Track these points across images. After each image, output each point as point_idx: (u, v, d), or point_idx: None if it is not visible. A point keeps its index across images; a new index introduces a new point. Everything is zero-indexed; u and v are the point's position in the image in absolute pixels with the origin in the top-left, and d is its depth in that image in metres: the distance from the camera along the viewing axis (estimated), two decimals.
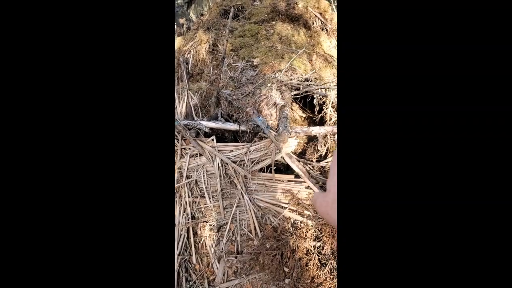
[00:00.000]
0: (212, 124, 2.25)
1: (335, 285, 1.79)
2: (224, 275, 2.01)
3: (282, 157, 2.16)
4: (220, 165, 2.12)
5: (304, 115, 3.16)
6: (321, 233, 1.96)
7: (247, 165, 2.12)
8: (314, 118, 2.81)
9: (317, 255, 1.90)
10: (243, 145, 2.17)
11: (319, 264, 1.88)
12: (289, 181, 2.17)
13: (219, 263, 2.04)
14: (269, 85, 2.46)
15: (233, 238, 2.10)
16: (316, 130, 2.50)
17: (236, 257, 2.03)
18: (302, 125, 2.98)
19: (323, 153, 2.67)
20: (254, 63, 2.73)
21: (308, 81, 2.63)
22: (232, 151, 2.17)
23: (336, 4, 3.58)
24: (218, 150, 2.16)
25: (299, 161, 2.36)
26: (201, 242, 2.12)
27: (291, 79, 2.58)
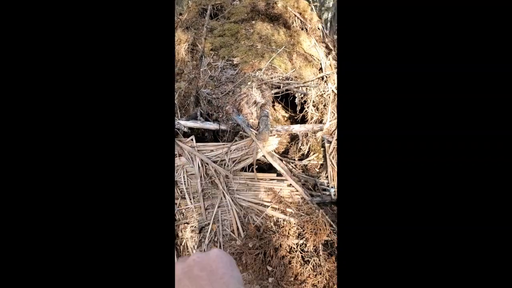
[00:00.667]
0: (191, 124, 2.21)
1: (318, 281, 1.79)
2: None
3: (264, 156, 2.14)
4: (200, 165, 2.08)
5: (286, 115, 3.16)
6: (303, 230, 1.96)
7: (228, 165, 2.09)
8: (296, 117, 2.81)
9: (300, 253, 1.90)
10: (223, 144, 2.15)
11: (302, 262, 1.88)
12: (271, 179, 2.15)
13: None
14: (249, 83, 2.44)
15: (216, 239, 2.06)
16: (296, 128, 2.51)
17: None
18: (284, 124, 2.98)
19: (305, 152, 2.68)
20: (234, 62, 2.71)
21: (288, 79, 2.63)
22: (212, 150, 2.14)
23: (314, 4, 3.62)
24: (198, 150, 2.12)
25: (281, 160, 2.35)
26: (183, 244, 2.07)
27: (271, 78, 2.58)
